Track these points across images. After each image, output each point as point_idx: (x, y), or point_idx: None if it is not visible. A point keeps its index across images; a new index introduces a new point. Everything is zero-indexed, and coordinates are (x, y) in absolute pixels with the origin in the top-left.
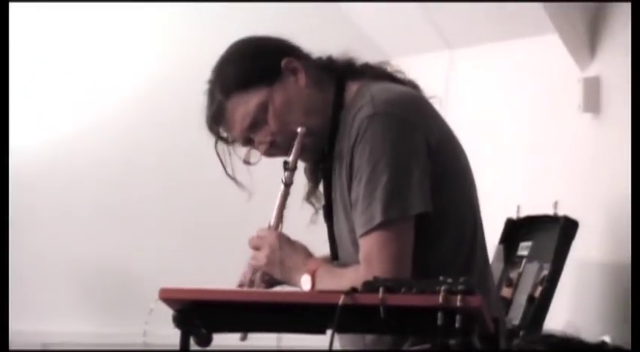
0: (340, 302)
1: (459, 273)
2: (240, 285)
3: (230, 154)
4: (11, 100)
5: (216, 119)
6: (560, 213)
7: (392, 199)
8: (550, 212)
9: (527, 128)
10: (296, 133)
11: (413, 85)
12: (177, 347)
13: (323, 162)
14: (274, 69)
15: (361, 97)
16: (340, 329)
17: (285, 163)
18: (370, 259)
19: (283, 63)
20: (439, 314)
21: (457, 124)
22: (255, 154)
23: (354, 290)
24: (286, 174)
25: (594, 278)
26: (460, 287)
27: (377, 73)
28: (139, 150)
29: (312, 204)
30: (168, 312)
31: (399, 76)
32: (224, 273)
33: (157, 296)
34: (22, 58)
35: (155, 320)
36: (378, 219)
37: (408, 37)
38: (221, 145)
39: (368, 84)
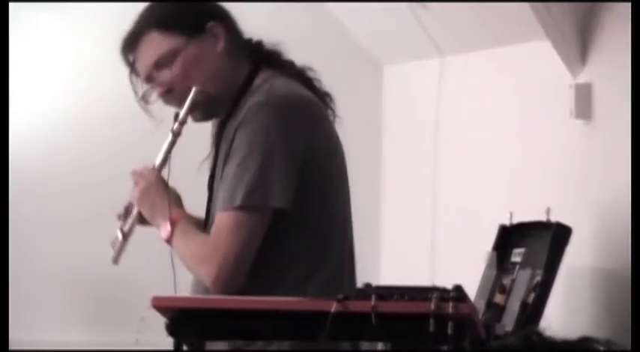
0: (332, 309)
1: (305, 274)
2: (118, 216)
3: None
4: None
5: (130, 45)
6: (553, 219)
7: (256, 187)
8: (542, 218)
9: (518, 134)
10: (190, 90)
11: (325, 96)
12: None
13: (217, 134)
14: (200, 25)
15: (263, 86)
16: (332, 336)
17: (176, 115)
18: (219, 237)
19: (209, 24)
20: (431, 321)
21: (448, 131)
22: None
23: (345, 297)
24: (175, 125)
25: (586, 284)
26: (452, 294)
27: (294, 72)
28: (131, 157)
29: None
30: (161, 320)
31: (316, 83)
32: None
33: (148, 303)
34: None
35: (148, 327)
36: (238, 201)
37: (399, 44)
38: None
39: (277, 77)
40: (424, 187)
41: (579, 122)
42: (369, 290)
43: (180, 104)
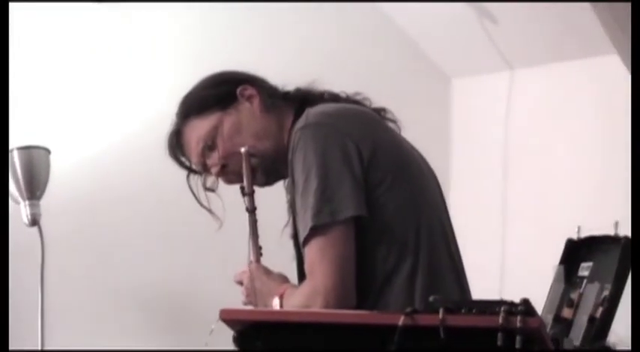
0: (400, 322)
1: (404, 279)
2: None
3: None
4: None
5: (174, 144)
6: (621, 233)
7: (321, 204)
8: (611, 232)
9: (587, 148)
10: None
11: (380, 111)
12: None
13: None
14: (230, 95)
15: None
16: (400, 349)
17: (242, 189)
18: (313, 269)
19: (238, 90)
20: (499, 335)
21: (517, 143)
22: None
23: (413, 310)
24: (245, 199)
25: None
26: (520, 308)
27: (336, 99)
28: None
29: None
30: (228, 333)
31: (365, 102)
32: None
33: (216, 316)
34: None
35: (217, 340)
36: (309, 225)
37: (468, 58)
38: (193, 178)
39: (317, 106)
40: (493, 200)
41: None
42: (437, 303)
43: (240, 176)
